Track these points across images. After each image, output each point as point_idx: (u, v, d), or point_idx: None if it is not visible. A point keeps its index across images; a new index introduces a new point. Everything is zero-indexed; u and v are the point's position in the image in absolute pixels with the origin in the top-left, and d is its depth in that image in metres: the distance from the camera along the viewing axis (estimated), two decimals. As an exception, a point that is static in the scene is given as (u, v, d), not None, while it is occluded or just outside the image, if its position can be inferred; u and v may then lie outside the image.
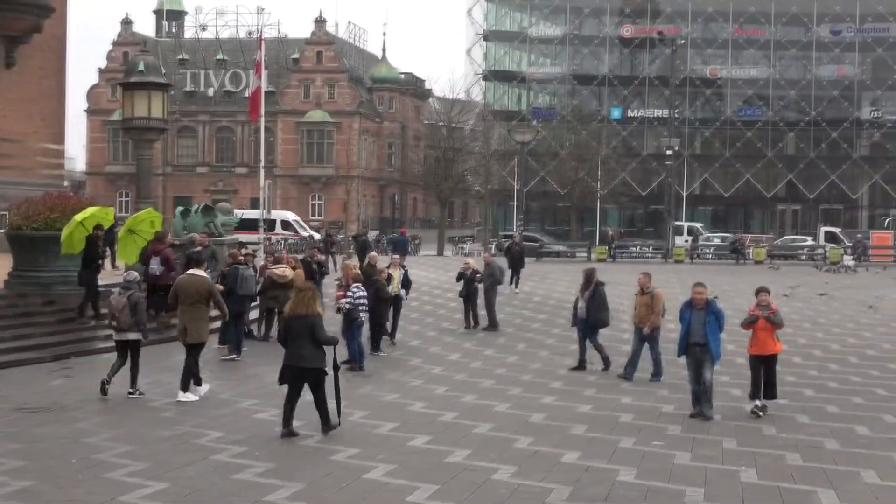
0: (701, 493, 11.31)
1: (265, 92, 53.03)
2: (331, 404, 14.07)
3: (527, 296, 35.00)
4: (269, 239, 53.93)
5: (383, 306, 22.60)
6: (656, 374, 19.55)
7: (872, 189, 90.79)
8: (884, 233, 67.98)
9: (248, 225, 66.67)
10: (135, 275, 17.78)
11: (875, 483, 11.90)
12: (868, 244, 61.86)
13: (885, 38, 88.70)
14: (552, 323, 28.43)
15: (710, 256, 61.51)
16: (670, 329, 21.06)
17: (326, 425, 14.04)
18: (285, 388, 14.05)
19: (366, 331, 21.39)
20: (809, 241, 69.32)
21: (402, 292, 24.77)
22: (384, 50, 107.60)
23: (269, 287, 23.48)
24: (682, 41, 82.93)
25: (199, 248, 25.63)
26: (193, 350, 16.72)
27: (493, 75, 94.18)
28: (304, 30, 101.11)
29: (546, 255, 58.75)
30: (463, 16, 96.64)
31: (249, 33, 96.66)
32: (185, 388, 16.62)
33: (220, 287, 19.92)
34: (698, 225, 78.92)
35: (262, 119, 49.44)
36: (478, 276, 27.00)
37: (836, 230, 72.55)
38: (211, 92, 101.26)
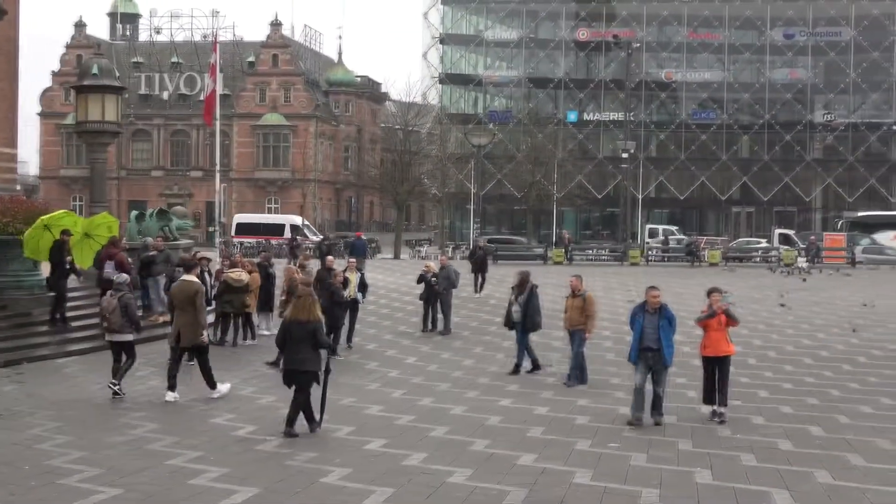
0: (656, 495, 11.35)
1: (220, 95, 52.87)
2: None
3: (484, 298, 35.01)
4: (226, 243, 53.77)
5: (339, 310, 22.55)
6: (577, 378, 19.16)
7: (825, 191, 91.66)
8: (836, 235, 68.54)
9: (271, 230, 67.09)
10: (125, 277, 18.22)
11: (828, 483, 11.99)
12: (821, 246, 62.41)
13: (837, 41, 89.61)
14: (490, 321, 28.40)
15: (666, 259, 61.81)
16: (607, 335, 20.98)
17: (290, 426, 14.27)
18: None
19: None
20: (764, 244, 69.84)
21: (359, 296, 24.70)
22: (340, 53, 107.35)
23: (224, 291, 23.39)
24: (637, 45, 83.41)
25: (153, 253, 25.55)
26: (198, 352, 17.25)
27: (450, 78, 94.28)
28: (259, 33, 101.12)
29: (503, 257, 58.70)
30: (419, 19, 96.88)
31: (204, 36, 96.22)
32: (212, 386, 17.21)
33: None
34: (673, 228, 79.13)
35: (218, 122, 49.21)
36: (434, 279, 26.95)
37: (791, 232, 73.21)
38: (166, 95, 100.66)
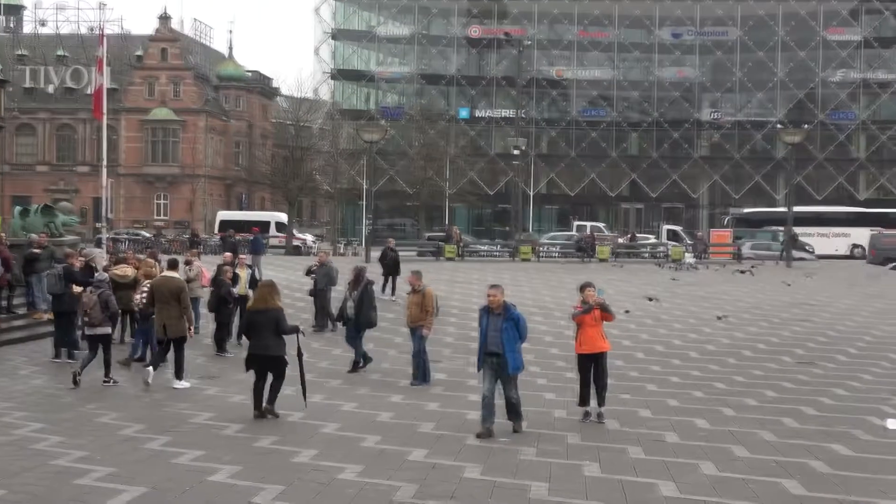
0: (545, 488, 11.42)
1: (108, 89, 51.97)
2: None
3: (393, 300, 34.47)
4: (113, 240, 52.92)
5: (228, 307, 22.33)
6: (421, 377, 18.93)
7: (712, 188, 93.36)
8: (722, 231, 69.85)
9: (248, 227, 66.25)
10: (105, 275, 19.77)
11: (713, 474, 12.19)
12: (708, 242, 63.58)
13: (724, 41, 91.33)
14: (401, 322, 28.40)
15: (557, 255, 62.31)
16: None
17: (271, 406, 15.27)
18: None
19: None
20: (652, 240, 70.88)
21: (250, 292, 24.44)
22: (231, 48, 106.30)
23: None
24: (529, 42, 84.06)
25: (37, 250, 25.02)
26: (178, 344, 18.27)
27: (342, 74, 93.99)
28: (147, 26, 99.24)
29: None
30: (311, 14, 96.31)
31: (91, 29, 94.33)
32: (180, 377, 18.20)
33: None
34: (601, 224, 79.39)
35: (105, 117, 48.34)
36: (313, 275, 26.85)
37: (679, 228, 74.40)
38: (51, 89, 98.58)
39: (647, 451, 13.41)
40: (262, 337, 15.27)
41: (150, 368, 18.02)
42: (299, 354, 15.53)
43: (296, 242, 67.94)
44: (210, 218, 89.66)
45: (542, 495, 11.17)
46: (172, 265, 19.74)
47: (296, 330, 15.55)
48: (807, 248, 64.59)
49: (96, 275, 19.96)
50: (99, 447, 13.17)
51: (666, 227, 74.09)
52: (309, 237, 74.36)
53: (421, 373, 18.94)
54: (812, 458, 13.01)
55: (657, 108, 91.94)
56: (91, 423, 14.96)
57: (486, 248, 66.23)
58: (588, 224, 76.78)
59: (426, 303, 18.87)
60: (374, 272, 36.94)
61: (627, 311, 30.22)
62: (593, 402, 15.51)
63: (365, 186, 71.32)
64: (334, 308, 24.35)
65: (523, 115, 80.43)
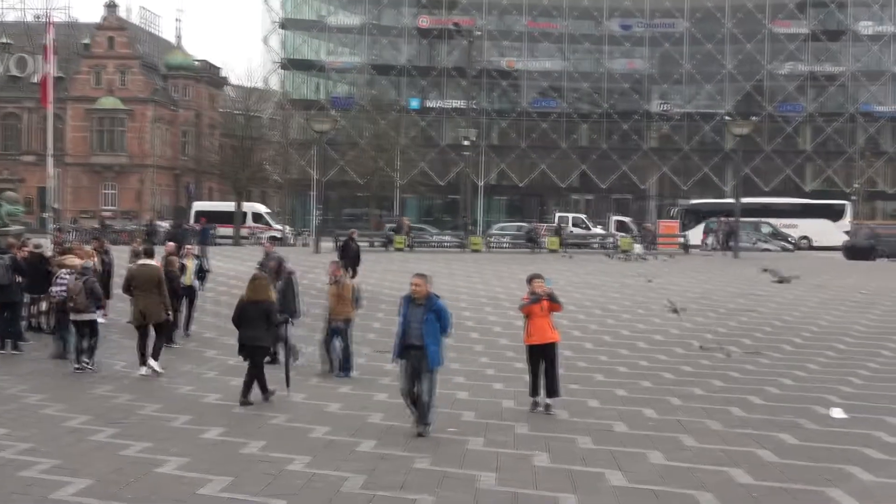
0: (494, 478, 11.44)
1: (55, 78, 51.32)
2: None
3: (311, 283, 34.32)
4: (60, 229, 52.35)
5: (176, 299, 22.15)
6: (344, 369, 18.78)
7: (661, 180, 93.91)
8: (670, 222, 70.34)
9: (222, 218, 65.70)
10: (90, 263, 20.35)
11: (661, 463, 12.26)
12: (656, 233, 64.04)
13: (672, 33, 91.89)
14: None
15: (507, 245, 62.48)
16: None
17: (265, 392, 15.90)
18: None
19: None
20: (599, 230, 71.21)
21: (196, 283, 24.31)
22: (179, 36, 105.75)
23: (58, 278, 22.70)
24: (479, 33, 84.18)
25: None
26: (160, 329, 18.96)
27: (292, 64, 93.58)
28: (94, 14, 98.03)
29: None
30: (260, 3, 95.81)
31: (37, 17, 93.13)
32: (156, 357, 18.62)
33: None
34: (582, 216, 79.31)
35: (51, 105, 47.72)
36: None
37: (628, 219, 74.82)
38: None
39: (595, 440, 13.48)
40: (252, 327, 15.80)
41: (143, 368, 18.49)
42: (286, 342, 16.33)
43: (275, 233, 68.14)
44: (158, 208, 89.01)
45: (491, 485, 11.18)
46: (149, 253, 20.20)
47: (285, 321, 16.39)
48: (789, 239, 65.29)
49: (81, 262, 20.23)
50: (44, 439, 13.02)
51: (615, 217, 74.44)
52: (288, 228, 73.96)
53: (344, 364, 18.79)
54: (758, 446, 13.13)
55: (607, 100, 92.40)
56: (36, 414, 14.79)
57: (435, 238, 66.23)
58: (570, 216, 75.44)
59: (345, 293, 18.75)
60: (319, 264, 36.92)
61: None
62: (543, 393, 15.54)
63: (315, 177, 71.10)
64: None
65: (474, 106, 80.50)
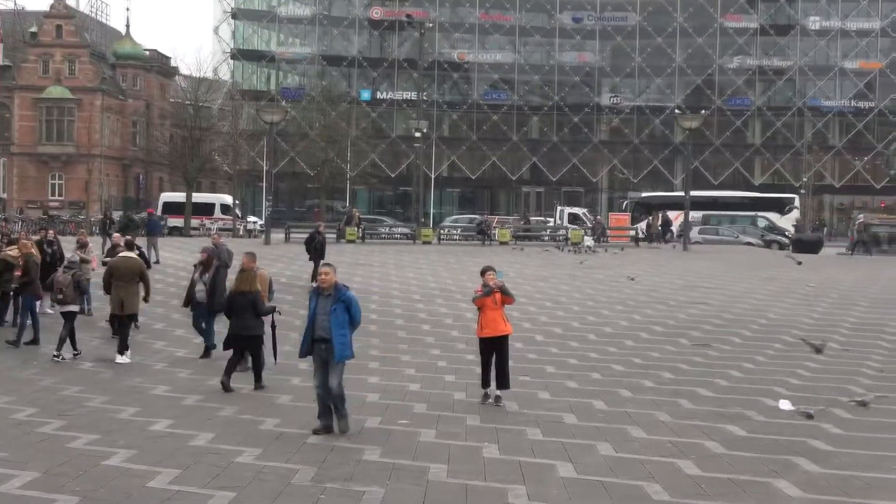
0: (444, 470, 11.44)
1: (1, 66, 50.79)
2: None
3: (273, 276, 34.31)
4: (6, 220, 51.82)
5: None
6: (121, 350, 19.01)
7: (612, 172, 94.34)
8: (621, 215, 70.68)
9: (200, 209, 65.08)
10: (77, 256, 21.13)
11: (610, 455, 12.31)
12: (606, 226, 64.34)
13: (624, 26, 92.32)
14: (301, 304, 28.23)
15: (458, 238, 62.51)
16: (399, 313, 21.22)
17: (259, 383, 16.52)
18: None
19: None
20: (551, 223, 71.40)
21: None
22: (128, 26, 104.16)
23: (3, 270, 22.42)
24: (430, 25, 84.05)
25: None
26: (128, 320, 19.48)
27: (242, 54, 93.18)
28: (43, 2, 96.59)
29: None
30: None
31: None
32: (121, 351, 19.08)
33: None
34: (581, 211, 79.04)
35: (-2, 94, 47.21)
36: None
37: (580, 211, 75.02)
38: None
39: (545, 432, 13.51)
40: (242, 318, 16.29)
41: (119, 356, 19.04)
42: (273, 326, 16.86)
43: (248, 225, 68.15)
44: (107, 198, 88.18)
45: (441, 476, 11.18)
46: (130, 245, 21.41)
47: (273, 310, 16.79)
48: (786, 233, 65.64)
49: (69, 256, 21.44)
50: (-11, 432, 12.88)
51: (567, 210, 74.57)
52: (259, 220, 73.37)
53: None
54: (707, 438, 13.21)
55: (558, 92, 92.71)
56: (-19, 407, 14.62)
57: (386, 230, 66.12)
58: (567, 210, 74.82)
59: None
60: (288, 257, 36.86)
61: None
62: (493, 385, 15.54)
63: (265, 168, 70.65)
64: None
65: (425, 98, 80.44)
